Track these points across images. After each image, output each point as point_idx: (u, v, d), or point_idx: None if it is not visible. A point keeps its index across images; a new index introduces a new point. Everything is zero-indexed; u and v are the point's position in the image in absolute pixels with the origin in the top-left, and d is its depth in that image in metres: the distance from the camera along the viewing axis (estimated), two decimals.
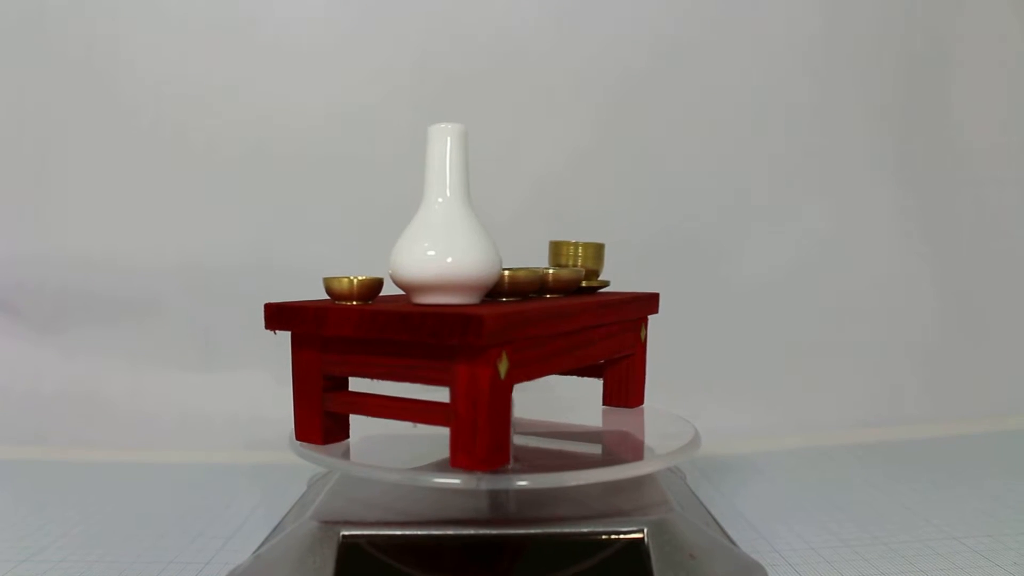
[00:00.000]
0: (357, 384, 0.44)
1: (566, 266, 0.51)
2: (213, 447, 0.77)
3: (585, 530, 0.39)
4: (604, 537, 0.39)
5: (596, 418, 0.53)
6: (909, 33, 0.87)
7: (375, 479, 0.40)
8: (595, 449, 0.47)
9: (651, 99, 0.85)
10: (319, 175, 0.84)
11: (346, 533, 0.39)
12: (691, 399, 0.76)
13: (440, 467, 0.40)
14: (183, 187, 0.84)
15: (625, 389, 0.54)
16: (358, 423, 0.51)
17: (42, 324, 0.85)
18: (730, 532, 0.49)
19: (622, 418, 0.52)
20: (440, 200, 0.41)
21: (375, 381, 0.42)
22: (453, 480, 0.38)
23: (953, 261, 0.88)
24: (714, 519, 0.49)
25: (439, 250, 0.39)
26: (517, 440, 0.45)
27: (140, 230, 0.84)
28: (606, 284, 0.54)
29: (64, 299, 0.85)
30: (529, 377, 0.41)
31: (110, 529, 0.55)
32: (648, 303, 0.54)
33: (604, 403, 0.55)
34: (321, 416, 0.43)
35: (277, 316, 0.42)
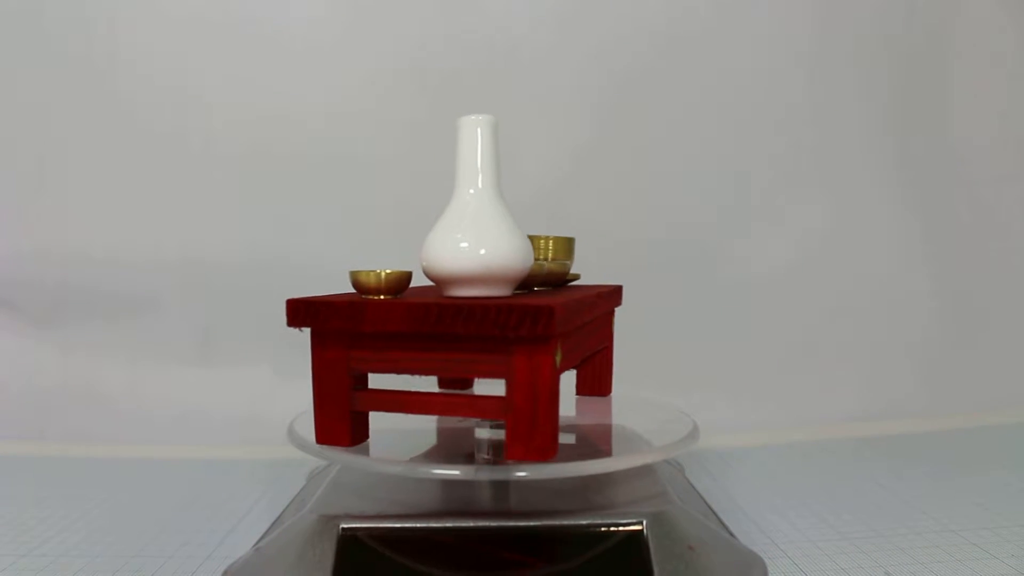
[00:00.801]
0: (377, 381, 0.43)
1: (545, 260, 0.52)
2: (212, 442, 0.77)
3: (584, 522, 0.39)
4: (603, 529, 0.39)
5: (574, 408, 0.54)
6: (907, 29, 0.86)
7: (374, 471, 0.40)
8: (594, 441, 0.47)
9: (649, 97, 0.85)
10: (318, 172, 0.84)
11: (345, 526, 0.39)
12: (690, 394, 0.77)
13: (438, 459, 0.40)
14: (182, 183, 0.84)
15: (598, 379, 0.56)
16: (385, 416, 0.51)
17: (41, 319, 0.85)
18: (729, 525, 0.49)
19: (620, 411, 0.52)
20: (472, 191, 0.41)
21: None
22: (452, 471, 0.38)
23: (951, 258, 0.89)
24: (713, 512, 0.50)
25: (472, 242, 0.39)
26: None
27: (139, 226, 0.84)
28: (577, 277, 0.54)
29: (63, 295, 0.85)
30: (564, 369, 0.41)
31: (110, 524, 0.56)
32: (617, 295, 0.56)
33: (577, 392, 0.56)
34: (349, 417, 0.41)
35: (303, 312, 0.40)
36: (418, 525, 0.39)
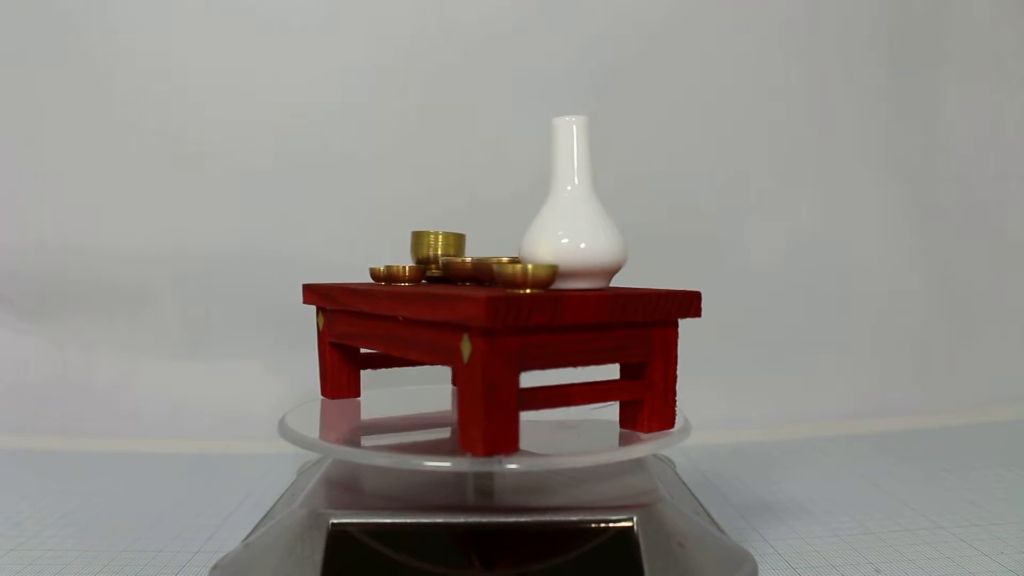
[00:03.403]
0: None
1: (427, 257, 0.52)
2: (203, 436, 0.77)
3: (574, 519, 0.39)
4: (593, 526, 0.39)
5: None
6: (900, 24, 0.86)
7: (366, 463, 0.40)
8: (585, 436, 0.47)
9: (641, 88, 0.85)
10: (313, 164, 0.84)
11: (335, 520, 0.39)
12: (681, 390, 0.76)
13: (430, 452, 0.40)
14: (174, 176, 0.84)
15: None
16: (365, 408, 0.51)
17: (32, 312, 0.85)
18: (720, 522, 0.49)
19: (611, 406, 0.52)
20: (569, 188, 0.43)
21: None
22: (444, 463, 0.38)
23: (944, 255, 0.89)
24: (704, 508, 0.50)
25: (572, 237, 0.41)
26: None
27: (132, 219, 0.84)
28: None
29: (54, 288, 0.84)
30: None
31: (100, 518, 0.55)
32: None
33: None
34: (518, 419, 0.38)
35: (503, 309, 0.36)
36: (408, 520, 0.39)
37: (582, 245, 0.41)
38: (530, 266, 0.39)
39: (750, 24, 0.85)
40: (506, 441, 0.37)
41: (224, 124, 0.84)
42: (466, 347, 0.37)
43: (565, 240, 0.41)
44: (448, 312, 0.38)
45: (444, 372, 0.60)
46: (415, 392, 0.58)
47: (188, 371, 0.83)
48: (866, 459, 0.68)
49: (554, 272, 0.39)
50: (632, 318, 0.40)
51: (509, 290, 0.39)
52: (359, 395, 0.54)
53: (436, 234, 0.53)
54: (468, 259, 0.47)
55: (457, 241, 0.53)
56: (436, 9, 0.83)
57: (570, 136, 0.43)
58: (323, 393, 0.54)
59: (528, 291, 0.38)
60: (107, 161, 0.84)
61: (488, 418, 0.36)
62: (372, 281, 0.51)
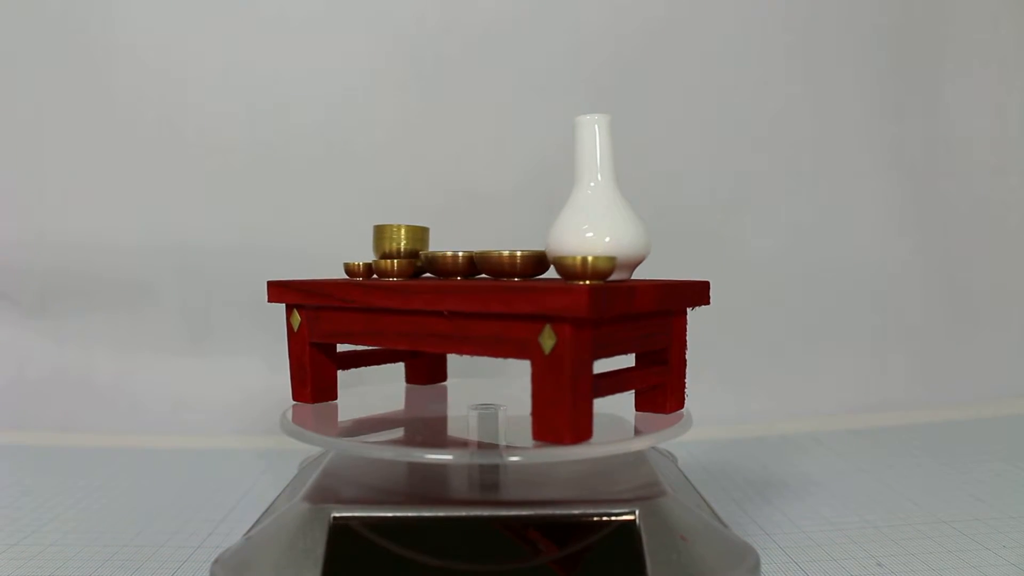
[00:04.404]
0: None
1: (390, 252, 0.50)
2: (205, 432, 0.77)
3: (577, 512, 0.39)
4: (596, 519, 0.39)
5: None
6: (902, 19, 0.86)
7: (368, 456, 0.40)
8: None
9: (642, 81, 0.85)
10: (313, 158, 0.84)
11: (337, 514, 0.39)
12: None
13: (430, 445, 0.40)
14: (174, 171, 0.84)
15: None
16: (348, 408, 0.51)
17: (32, 308, 0.84)
18: (722, 515, 0.49)
19: (610, 398, 0.52)
20: (592, 184, 0.44)
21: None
22: (446, 456, 0.37)
23: (945, 250, 0.88)
24: (706, 502, 0.50)
25: (597, 231, 0.42)
26: (507, 422, 0.44)
27: (132, 214, 0.84)
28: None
29: (54, 284, 0.84)
30: None
31: (102, 513, 0.55)
32: None
33: None
34: (592, 406, 0.39)
35: (602, 300, 0.37)
36: (409, 514, 0.39)
37: (607, 239, 0.42)
38: (590, 257, 0.39)
39: (751, 18, 0.85)
40: (586, 428, 0.39)
41: (224, 118, 0.84)
42: (549, 338, 0.38)
43: (590, 234, 0.42)
44: (533, 304, 0.37)
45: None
46: (395, 390, 0.57)
47: (188, 367, 0.83)
48: (867, 453, 0.67)
49: (613, 263, 0.40)
50: (669, 307, 0.43)
51: (569, 281, 0.39)
52: (336, 398, 0.52)
53: (399, 227, 0.51)
54: (460, 253, 0.46)
55: (422, 235, 0.51)
56: (437, 3, 0.83)
57: (593, 134, 0.44)
58: (300, 398, 0.50)
59: (588, 282, 0.39)
60: (107, 156, 0.84)
61: (574, 406, 0.38)
62: (347, 276, 0.49)
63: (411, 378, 0.59)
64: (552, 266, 0.44)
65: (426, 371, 0.58)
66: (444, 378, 0.59)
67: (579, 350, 0.37)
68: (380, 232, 0.51)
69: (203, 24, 0.83)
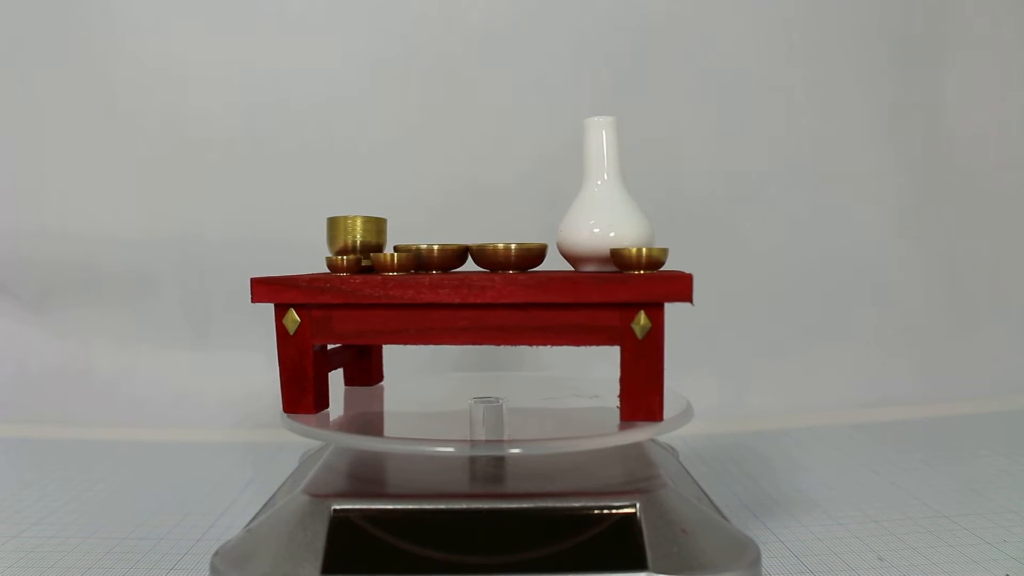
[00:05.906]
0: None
1: (346, 245, 0.49)
2: (205, 425, 0.77)
3: (577, 504, 0.39)
4: (596, 512, 0.39)
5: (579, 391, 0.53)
6: (903, 14, 0.86)
7: (369, 449, 0.40)
8: (586, 421, 0.47)
9: (643, 77, 0.84)
10: (315, 152, 0.84)
11: (337, 507, 0.39)
12: (683, 378, 0.76)
13: (431, 438, 0.40)
14: (175, 164, 0.84)
15: None
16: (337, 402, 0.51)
17: (34, 302, 0.84)
18: (722, 509, 0.49)
19: (612, 392, 0.52)
20: (599, 182, 0.47)
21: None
22: (447, 449, 0.37)
23: (946, 246, 0.88)
24: (706, 495, 0.50)
25: (603, 226, 0.45)
26: (509, 415, 0.44)
27: (133, 207, 0.84)
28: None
29: (55, 277, 0.84)
30: None
31: (103, 506, 0.55)
32: None
33: None
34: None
35: (686, 286, 0.41)
36: (410, 506, 0.39)
37: (612, 234, 0.45)
38: (645, 249, 0.42)
39: (753, 14, 0.84)
40: (656, 409, 0.42)
41: (226, 112, 0.83)
42: (643, 324, 0.41)
43: (596, 230, 0.45)
44: (635, 293, 0.41)
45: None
46: (389, 386, 0.57)
47: (189, 360, 0.83)
48: (868, 448, 0.67)
49: (666, 254, 0.42)
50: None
51: (624, 271, 0.42)
52: (329, 406, 0.48)
53: (355, 219, 0.48)
54: (451, 245, 0.46)
55: (378, 226, 0.49)
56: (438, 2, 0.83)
57: (600, 136, 0.47)
58: (297, 409, 0.45)
59: (642, 272, 0.42)
60: (108, 149, 0.84)
61: (645, 388, 0.42)
62: (329, 271, 0.46)
63: (352, 380, 0.55)
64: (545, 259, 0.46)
65: (370, 372, 0.56)
66: (381, 379, 0.57)
67: (662, 333, 0.41)
68: (334, 224, 0.49)
69: (204, 19, 0.82)
